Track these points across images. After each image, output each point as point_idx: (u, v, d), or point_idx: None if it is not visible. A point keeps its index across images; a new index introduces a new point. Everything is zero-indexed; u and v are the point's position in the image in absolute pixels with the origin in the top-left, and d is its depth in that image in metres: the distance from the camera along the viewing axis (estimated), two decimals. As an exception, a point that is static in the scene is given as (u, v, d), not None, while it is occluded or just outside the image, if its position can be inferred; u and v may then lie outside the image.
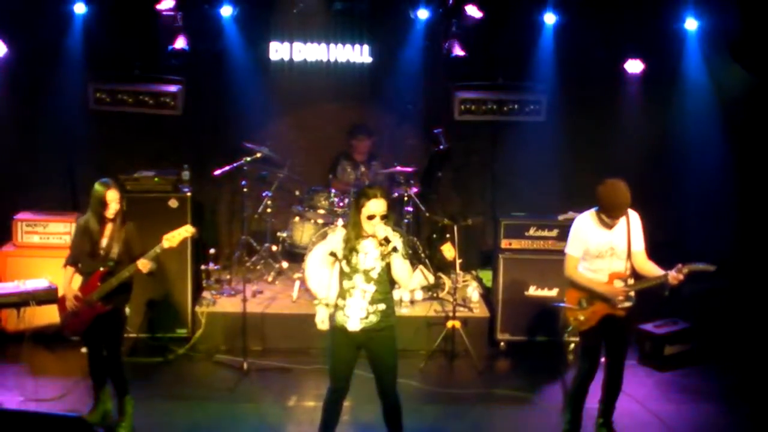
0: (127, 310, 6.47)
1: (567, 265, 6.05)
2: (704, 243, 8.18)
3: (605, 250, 5.93)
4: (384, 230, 5.26)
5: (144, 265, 6.04)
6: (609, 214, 5.84)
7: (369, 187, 5.48)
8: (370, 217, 5.31)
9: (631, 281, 5.98)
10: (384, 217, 5.32)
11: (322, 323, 5.56)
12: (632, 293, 5.96)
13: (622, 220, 5.91)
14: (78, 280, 6.29)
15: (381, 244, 5.30)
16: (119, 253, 6.15)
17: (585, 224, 5.97)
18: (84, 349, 7.65)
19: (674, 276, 5.74)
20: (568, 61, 8.62)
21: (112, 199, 6.10)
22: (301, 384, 7.22)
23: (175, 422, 6.50)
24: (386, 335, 5.45)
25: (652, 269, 5.93)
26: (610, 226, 5.90)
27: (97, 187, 6.13)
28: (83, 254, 6.20)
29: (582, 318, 5.99)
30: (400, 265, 5.36)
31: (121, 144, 8.75)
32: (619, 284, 5.96)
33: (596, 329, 5.98)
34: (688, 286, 8.03)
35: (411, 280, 5.37)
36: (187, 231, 6.17)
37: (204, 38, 8.64)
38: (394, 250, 5.23)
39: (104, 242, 6.17)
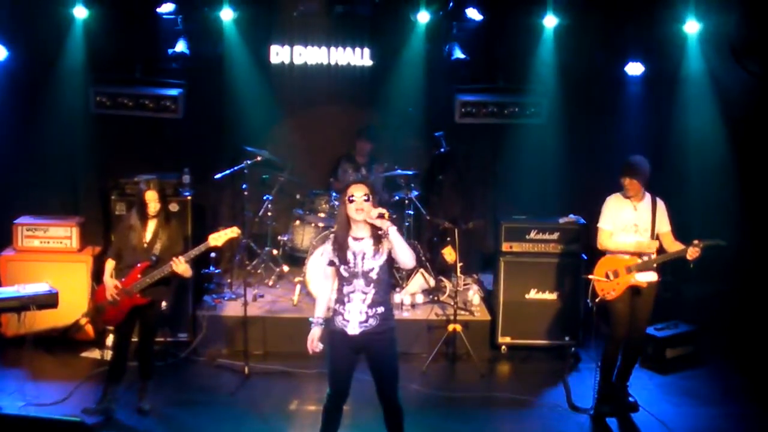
0: (164, 304, 6.72)
1: (600, 238, 6.70)
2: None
3: (629, 225, 6.62)
4: (374, 209, 5.19)
5: (177, 264, 6.29)
6: (620, 183, 6.59)
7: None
8: (351, 200, 5.26)
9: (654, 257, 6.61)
10: (366, 199, 5.25)
11: (312, 343, 5.45)
12: (655, 270, 6.58)
13: (647, 202, 6.62)
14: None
15: (377, 227, 5.22)
16: (161, 249, 6.44)
17: (612, 199, 6.73)
18: (85, 353, 7.70)
19: (693, 250, 6.33)
20: (568, 64, 8.60)
21: (151, 198, 6.43)
22: (302, 388, 7.21)
23: (176, 426, 6.49)
24: (386, 338, 5.41)
25: (677, 247, 6.54)
26: (629, 201, 6.61)
27: (139, 186, 6.52)
28: (126, 248, 6.49)
29: (609, 289, 6.57)
30: (399, 244, 5.23)
31: (121, 147, 8.72)
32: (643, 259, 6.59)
33: (623, 299, 6.58)
34: (690, 289, 8.05)
35: (411, 256, 5.29)
36: (233, 232, 6.49)
37: (204, 41, 8.64)
38: (383, 216, 5.15)
39: (147, 238, 6.47)
